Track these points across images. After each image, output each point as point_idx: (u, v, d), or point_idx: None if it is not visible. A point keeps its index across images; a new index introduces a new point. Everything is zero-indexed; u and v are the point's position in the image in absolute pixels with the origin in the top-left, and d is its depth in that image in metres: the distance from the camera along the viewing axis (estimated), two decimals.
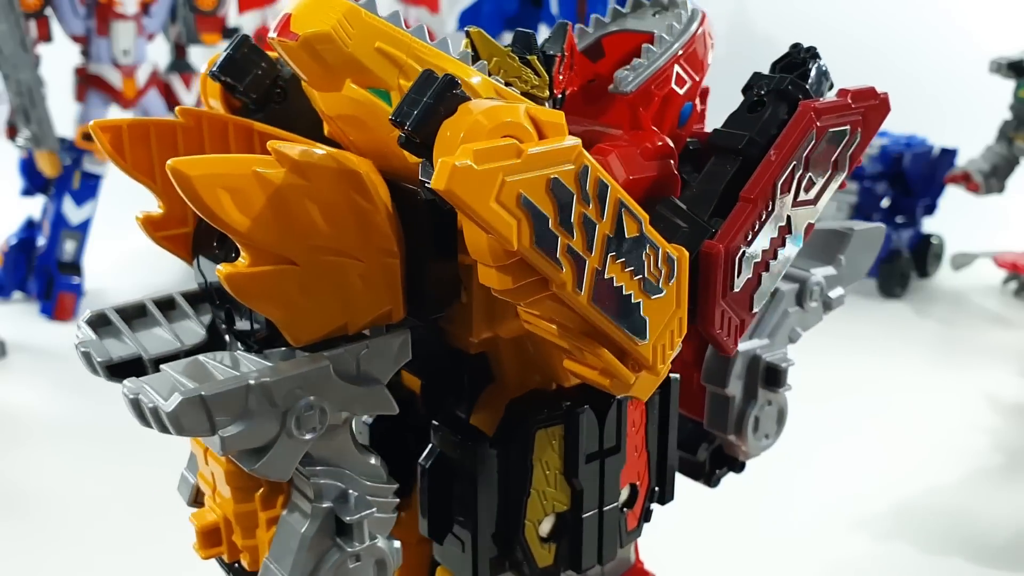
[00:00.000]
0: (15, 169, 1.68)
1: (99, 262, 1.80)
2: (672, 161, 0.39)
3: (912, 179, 1.82)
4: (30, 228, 1.72)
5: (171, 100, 1.76)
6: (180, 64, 1.79)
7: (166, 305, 0.43)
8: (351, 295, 0.35)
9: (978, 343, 1.57)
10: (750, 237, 0.36)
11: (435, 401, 0.42)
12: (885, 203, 1.82)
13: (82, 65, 1.66)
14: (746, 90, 0.41)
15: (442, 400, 0.42)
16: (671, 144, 0.40)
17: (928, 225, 1.88)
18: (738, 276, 0.36)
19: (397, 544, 0.38)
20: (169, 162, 0.32)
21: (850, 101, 0.38)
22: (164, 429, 0.33)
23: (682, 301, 0.35)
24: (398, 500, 0.38)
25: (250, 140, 0.40)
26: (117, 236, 1.97)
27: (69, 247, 1.67)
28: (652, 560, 0.63)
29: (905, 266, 1.79)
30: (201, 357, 0.36)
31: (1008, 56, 1.62)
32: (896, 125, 1.94)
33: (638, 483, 0.43)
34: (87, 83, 1.65)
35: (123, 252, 1.98)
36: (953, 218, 1.87)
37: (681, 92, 0.41)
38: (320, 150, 0.34)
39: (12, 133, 1.57)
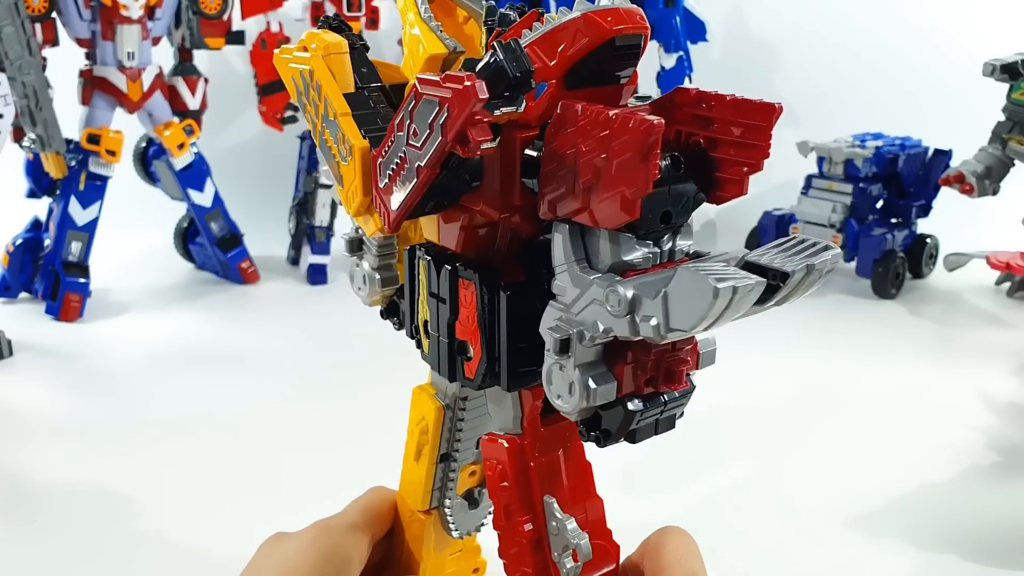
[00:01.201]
0: (21, 169, 1.70)
1: (105, 262, 1.81)
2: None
3: (906, 180, 1.84)
4: (36, 228, 1.73)
5: (176, 103, 1.78)
6: (185, 67, 1.80)
7: None
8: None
9: (972, 343, 1.58)
10: (385, 152, 0.52)
11: None
12: (880, 204, 1.83)
13: (87, 68, 1.67)
14: None
15: None
16: None
17: (923, 226, 1.89)
18: (380, 176, 0.53)
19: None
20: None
21: (440, 80, 0.47)
22: None
23: (357, 174, 0.55)
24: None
25: None
26: (123, 236, 1.98)
27: (75, 247, 1.68)
28: None
29: (899, 266, 1.80)
30: None
31: (1001, 59, 1.62)
32: (891, 127, 1.96)
33: (472, 346, 0.56)
34: (92, 86, 1.67)
35: (129, 252, 2.00)
36: (947, 219, 1.89)
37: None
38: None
39: (19, 136, 1.58)
